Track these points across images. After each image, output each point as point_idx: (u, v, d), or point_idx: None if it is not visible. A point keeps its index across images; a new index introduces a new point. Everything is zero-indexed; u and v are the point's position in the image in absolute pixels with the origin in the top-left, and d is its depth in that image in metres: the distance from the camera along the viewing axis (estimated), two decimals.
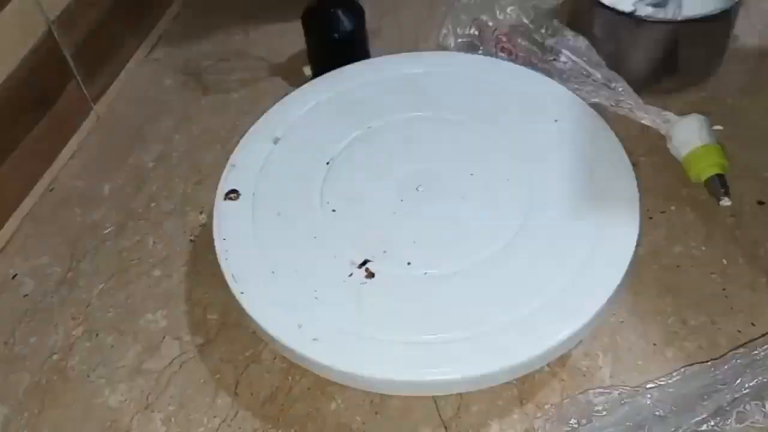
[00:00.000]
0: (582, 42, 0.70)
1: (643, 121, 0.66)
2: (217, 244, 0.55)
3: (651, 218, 0.61)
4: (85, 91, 0.74)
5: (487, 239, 0.53)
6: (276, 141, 0.61)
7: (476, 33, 0.74)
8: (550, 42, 0.71)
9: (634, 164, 0.58)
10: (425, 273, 0.52)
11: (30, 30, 0.66)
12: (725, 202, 0.60)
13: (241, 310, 0.52)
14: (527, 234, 0.54)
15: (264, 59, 0.81)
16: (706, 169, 0.61)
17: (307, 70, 0.77)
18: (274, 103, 0.65)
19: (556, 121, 0.60)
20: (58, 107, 0.70)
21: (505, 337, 0.48)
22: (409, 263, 0.53)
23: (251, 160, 0.60)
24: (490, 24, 0.74)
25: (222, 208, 0.57)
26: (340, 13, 0.71)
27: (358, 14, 0.72)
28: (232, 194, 0.58)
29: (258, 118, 0.63)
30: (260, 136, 0.62)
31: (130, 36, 0.81)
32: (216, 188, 0.59)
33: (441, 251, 0.53)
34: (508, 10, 0.75)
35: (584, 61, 0.69)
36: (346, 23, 0.71)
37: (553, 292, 0.50)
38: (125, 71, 0.80)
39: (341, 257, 0.53)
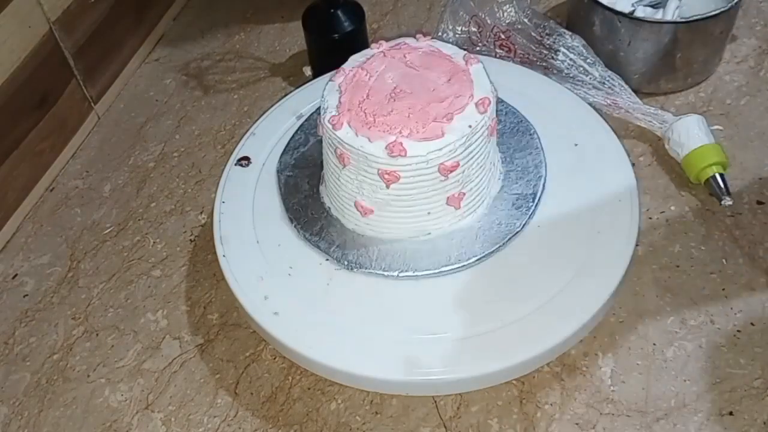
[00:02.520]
0: (579, 41, 0.70)
1: (639, 123, 0.66)
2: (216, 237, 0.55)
3: (651, 218, 0.61)
4: (85, 91, 0.74)
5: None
6: (299, 117, 0.63)
7: (475, 29, 0.75)
8: (548, 41, 0.71)
9: (634, 164, 0.58)
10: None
11: (31, 30, 0.66)
12: (727, 201, 0.60)
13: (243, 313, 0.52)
14: (526, 234, 0.54)
15: (264, 59, 0.81)
16: (707, 169, 0.61)
17: (307, 70, 0.77)
18: (274, 104, 0.66)
19: (555, 120, 0.60)
20: (59, 107, 0.70)
21: (505, 337, 0.48)
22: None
23: (271, 131, 0.63)
24: (489, 21, 0.74)
25: (231, 175, 0.60)
26: (340, 13, 0.71)
27: (358, 14, 0.72)
28: (243, 161, 0.60)
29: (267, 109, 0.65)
30: (284, 109, 0.64)
31: (130, 36, 0.81)
32: (216, 188, 0.60)
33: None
34: (506, 8, 0.75)
35: (582, 59, 0.69)
36: (346, 23, 0.71)
37: (553, 292, 0.50)
38: (126, 71, 0.80)
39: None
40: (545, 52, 0.71)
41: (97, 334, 0.59)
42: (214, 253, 0.61)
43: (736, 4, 0.65)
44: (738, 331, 0.54)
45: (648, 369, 0.53)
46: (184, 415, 0.54)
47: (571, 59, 0.69)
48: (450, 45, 0.57)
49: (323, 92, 0.54)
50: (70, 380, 0.56)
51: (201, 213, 0.67)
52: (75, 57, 0.72)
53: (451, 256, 0.53)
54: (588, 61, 0.69)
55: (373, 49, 0.56)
